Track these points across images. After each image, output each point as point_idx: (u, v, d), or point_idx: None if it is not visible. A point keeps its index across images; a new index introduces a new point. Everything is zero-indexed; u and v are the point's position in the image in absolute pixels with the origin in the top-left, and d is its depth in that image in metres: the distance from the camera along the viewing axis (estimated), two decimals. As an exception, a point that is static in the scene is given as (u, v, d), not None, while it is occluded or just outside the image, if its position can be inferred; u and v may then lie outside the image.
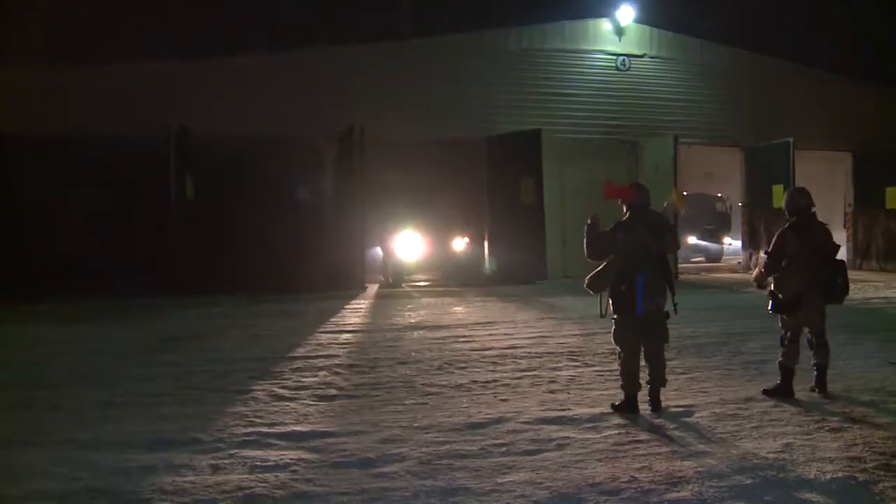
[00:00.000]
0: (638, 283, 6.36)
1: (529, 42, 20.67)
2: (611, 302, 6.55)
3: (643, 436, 5.81)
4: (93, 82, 17.33)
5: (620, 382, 6.58)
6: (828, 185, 24.74)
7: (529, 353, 9.43)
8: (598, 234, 6.62)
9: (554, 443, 5.65)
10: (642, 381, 6.56)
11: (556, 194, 19.78)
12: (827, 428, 6.00)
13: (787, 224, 7.18)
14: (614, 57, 21.34)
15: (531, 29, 20.84)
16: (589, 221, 6.67)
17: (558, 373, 8.23)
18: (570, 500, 4.55)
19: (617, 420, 6.24)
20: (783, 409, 6.55)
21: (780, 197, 21.12)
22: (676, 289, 6.66)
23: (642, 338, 6.56)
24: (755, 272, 7.34)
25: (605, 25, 21.28)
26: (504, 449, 5.52)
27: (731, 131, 22.23)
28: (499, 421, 6.25)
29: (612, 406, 6.56)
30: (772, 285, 7.11)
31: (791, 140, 20.62)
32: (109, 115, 16.41)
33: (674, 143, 19.80)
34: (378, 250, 19.75)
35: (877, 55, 32.59)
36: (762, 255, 7.45)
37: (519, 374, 8.14)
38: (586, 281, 6.65)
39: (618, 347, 6.66)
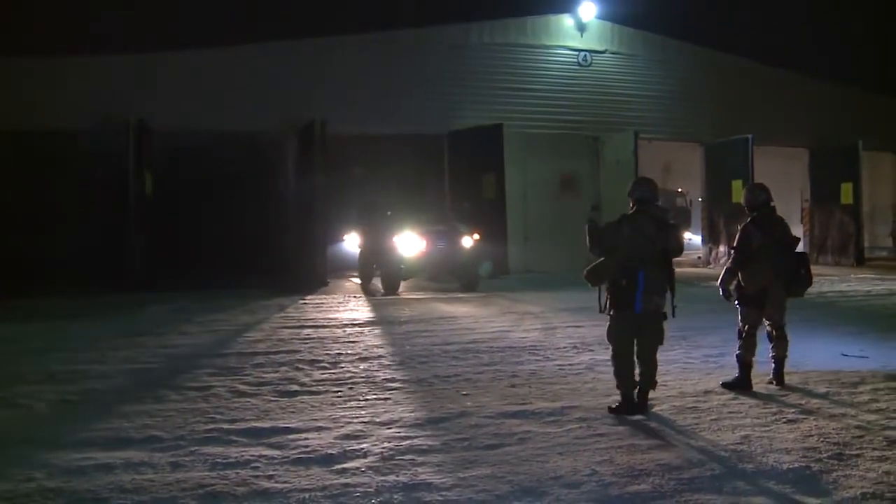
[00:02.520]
0: (640, 279, 6.17)
1: (491, 37, 20.70)
2: (608, 297, 6.37)
3: (604, 429, 5.84)
4: (49, 75, 17.05)
5: (616, 383, 6.39)
6: (785, 181, 25.15)
7: (491, 347, 9.46)
8: (602, 230, 6.44)
9: (516, 437, 5.67)
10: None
11: (519, 189, 19.85)
12: (784, 420, 6.09)
13: (749, 219, 7.24)
14: (576, 52, 21.47)
15: (493, 24, 20.88)
16: (588, 224, 6.48)
17: (520, 367, 8.26)
18: (532, 494, 4.56)
19: (578, 414, 6.27)
20: (741, 402, 6.63)
21: (739, 192, 21.42)
22: None
23: (637, 337, 6.36)
24: (721, 278, 7.30)
25: (567, 21, 21.40)
26: (466, 444, 5.52)
27: (691, 127, 22.48)
28: (461, 415, 6.25)
29: (610, 409, 6.31)
30: (737, 279, 7.13)
31: (750, 136, 20.92)
32: (66, 109, 16.16)
33: (634, 138, 19.97)
34: (345, 246, 19.32)
35: (834, 54, 33.14)
36: (726, 258, 7.43)
37: (480, 369, 8.16)
38: (585, 273, 6.42)
39: (611, 346, 6.45)
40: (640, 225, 6.34)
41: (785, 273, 7.07)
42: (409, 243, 15.68)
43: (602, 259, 6.37)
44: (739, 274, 7.12)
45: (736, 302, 7.21)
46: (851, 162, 22.30)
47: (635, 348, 6.39)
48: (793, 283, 7.11)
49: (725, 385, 7.13)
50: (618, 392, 6.39)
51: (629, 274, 6.19)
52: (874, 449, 5.34)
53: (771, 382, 7.22)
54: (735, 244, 7.24)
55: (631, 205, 6.55)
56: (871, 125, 23.30)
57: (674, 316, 6.40)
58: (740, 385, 7.06)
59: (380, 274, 16.35)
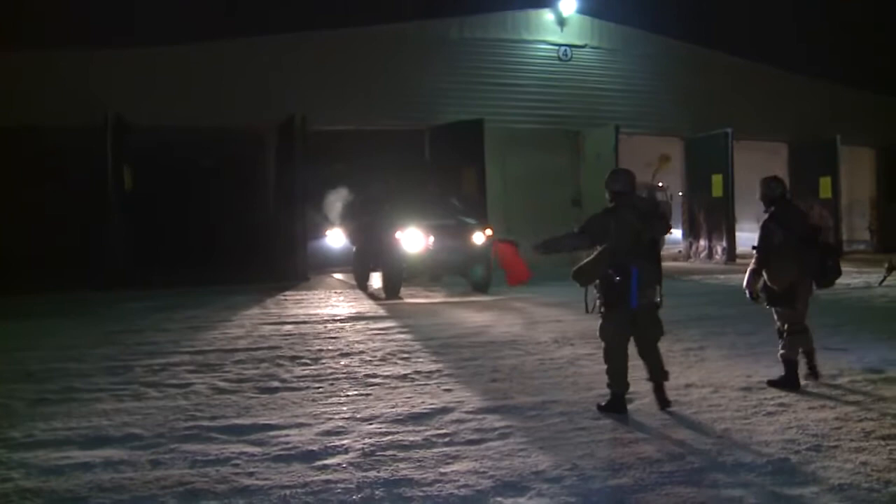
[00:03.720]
0: (633, 274, 6.00)
1: (471, 32, 20.67)
2: (599, 295, 6.19)
3: (585, 423, 5.86)
4: (24, 69, 16.85)
5: (607, 381, 6.23)
6: (765, 175, 25.28)
7: (472, 342, 9.46)
8: (582, 229, 6.31)
9: (497, 432, 5.68)
10: (630, 380, 6.24)
11: (499, 184, 19.85)
12: (763, 412, 6.13)
13: (767, 216, 7.07)
14: (556, 47, 21.48)
15: (473, 18, 20.85)
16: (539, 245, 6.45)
17: (501, 362, 8.26)
18: (514, 489, 4.57)
19: (559, 408, 6.28)
20: (721, 395, 6.67)
21: (719, 186, 21.61)
22: None
23: (634, 333, 6.22)
24: (746, 280, 7.09)
25: (548, 16, 21.40)
26: (447, 439, 5.53)
27: (671, 121, 22.55)
28: (442, 411, 6.25)
29: (598, 406, 6.21)
30: (764, 279, 6.97)
31: (730, 130, 21.07)
32: (42, 104, 16.00)
33: (615, 132, 20.01)
34: (328, 242, 19.07)
35: (814, 49, 33.37)
36: (752, 263, 7.08)
37: (462, 364, 8.16)
38: (573, 273, 6.24)
39: (604, 343, 6.29)
40: (624, 217, 6.19)
41: (811, 267, 6.90)
42: (413, 240, 14.11)
43: (591, 257, 6.24)
44: (764, 273, 6.94)
45: (766, 304, 7.04)
46: (830, 156, 22.49)
47: (636, 345, 6.26)
48: (822, 276, 6.94)
49: (772, 384, 6.93)
50: (603, 387, 6.34)
51: (622, 269, 6.01)
52: (851, 440, 5.39)
53: (808, 376, 7.07)
54: (756, 243, 7.05)
55: (609, 198, 6.40)
56: (849, 120, 23.45)
57: (660, 307, 6.33)
58: (787, 384, 6.86)
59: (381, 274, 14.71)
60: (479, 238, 14.63)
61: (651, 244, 6.27)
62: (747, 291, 7.10)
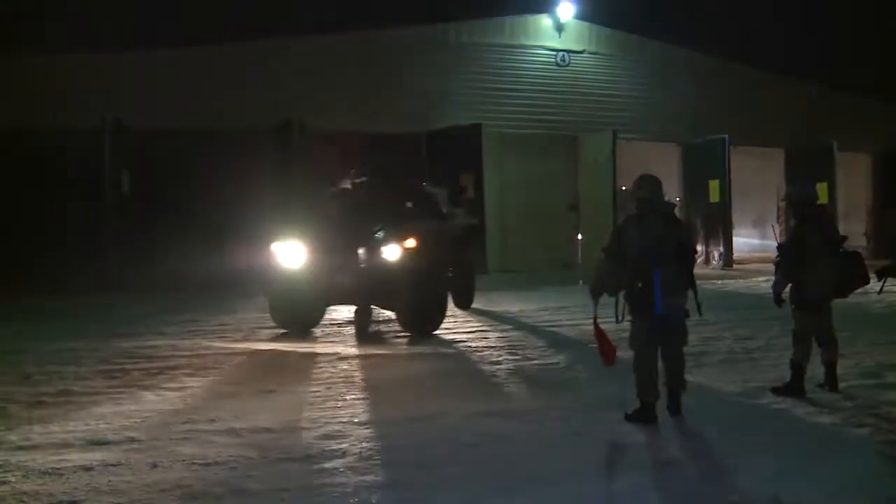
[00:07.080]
0: (656, 279, 5.86)
1: (469, 37, 20.69)
2: (625, 302, 6.04)
3: (582, 428, 5.87)
4: (22, 72, 16.84)
5: (636, 390, 6.06)
6: (761, 181, 25.37)
7: (470, 347, 9.47)
8: (606, 251, 6.16)
9: (494, 436, 5.68)
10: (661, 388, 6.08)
11: (497, 188, 19.88)
12: (760, 417, 6.17)
13: (803, 219, 6.91)
14: (554, 52, 21.50)
15: (471, 24, 20.87)
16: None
17: (499, 366, 8.27)
18: (511, 493, 4.58)
19: (556, 413, 6.29)
20: (719, 400, 6.70)
21: (716, 192, 21.66)
22: None
23: (660, 339, 6.08)
24: (774, 281, 6.95)
25: (546, 21, 21.42)
26: (445, 443, 5.53)
27: (668, 127, 22.57)
28: (439, 415, 6.25)
29: (626, 416, 6.02)
30: (792, 284, 6.82)
31: (727, 136, 21.10)
32: (41, 107, 15.97)
33: (612, 138, 20.06)
34: None
35: (812, 55, 33.47)
36: (782, 265, 6.92)
37: (459, 368, 8.18)
38: (591, 285, 6.20)
39: (633, 352, 6.13)
40: (649, 224, 6.05)
41: (841, 274, 6.75)
42: (289, 254, 10.37)
43: (603, 266, 6.13)
44: (798, 278, 6.76)
45: (791, 306, 6.86)
46: (826, 162, 22.52)
47: (659, 352, 6.10)
48: (849, 283, 6.80)
49: (775, 391, 6.81)
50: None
51: (644, 276, 5.89)
52: (848, 445, 5.41)
53: (822, 387, 6.92)
54: (788, 244, 6.94)
55: (635, 204, 6.26)
56: (846, 126, 23.51)
57: (700, 314, 6.19)
58: (792, 391, 6.75)
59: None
60: (392, 252, 9.96)
61: (677, 250, 6.08)
62: (773, 292, 6.95)
